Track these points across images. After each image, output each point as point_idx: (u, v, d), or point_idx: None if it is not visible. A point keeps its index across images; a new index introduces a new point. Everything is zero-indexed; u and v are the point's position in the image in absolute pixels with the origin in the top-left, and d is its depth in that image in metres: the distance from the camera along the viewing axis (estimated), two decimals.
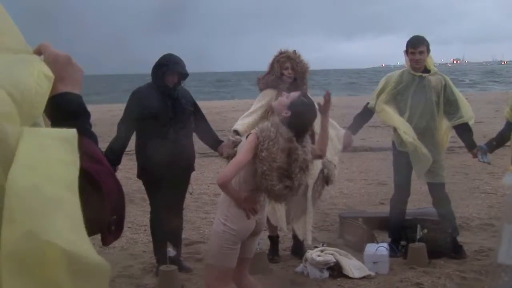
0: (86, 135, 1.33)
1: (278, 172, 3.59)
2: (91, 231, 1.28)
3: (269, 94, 5.71)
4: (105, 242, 1.35)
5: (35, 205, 0.99)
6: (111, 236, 1.35)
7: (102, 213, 1.26)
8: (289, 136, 3.63)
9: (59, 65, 1.35)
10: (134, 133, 5.43)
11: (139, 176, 5.47)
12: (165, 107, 5.29)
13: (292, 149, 3.62)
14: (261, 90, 5.81)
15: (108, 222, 1.29)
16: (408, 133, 5.76)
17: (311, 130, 5.80)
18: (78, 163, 1.12)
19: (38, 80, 1.21)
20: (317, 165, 5.79)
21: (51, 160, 1.08)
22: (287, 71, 5.65)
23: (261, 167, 3.60)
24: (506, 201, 2.08)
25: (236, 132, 5.71)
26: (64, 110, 1.34)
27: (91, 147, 1.31)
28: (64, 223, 1.01)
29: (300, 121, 3.76)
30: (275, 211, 5.68)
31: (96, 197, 1.23)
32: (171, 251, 5.08)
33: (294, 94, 3.93)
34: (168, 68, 5.29)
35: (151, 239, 5.74)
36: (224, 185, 3.67)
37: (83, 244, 1.05)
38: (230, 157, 4.95)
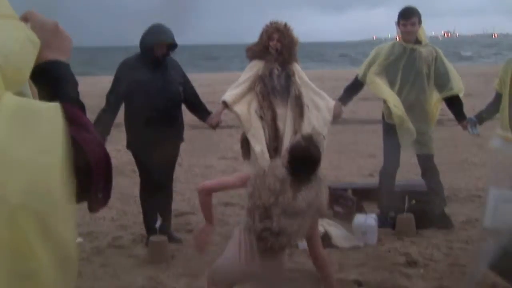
0: (74, 103, 1.33)
1: (260, 210, 3.45)
2: (78, 199, 1.28)
3: (256, 65, 5.72)
4: (92, 209, 1.36)
5: None
6: (98, 203, 1.35)
7: (88, 181, 1.26)
8: (283, 177, 3.47)
9: (46, 32, 1.33)
10: (123, 104, 5.41)
11: (128, 146, 5.47)
12: (154, 78, 5.26)
13: (281, 191, 3.43)
14: (250, 59, 5.81)
15: (95, 189, 1.29)
16: (397, 106, 5.76)
17: (300, 104, 5.81)
18: (60, 139, 1.10)
19: (23, 45, 1.20)
20: None
21: (30, 134, 1.06)
22: (273, 42, 5.64)
23: (247, 203, 3.57)
24: (491, 166, 2.10)
25: (225, 103, 5.72)
26: (51, 78, 1.33)
27: (78, 115, 1.30)
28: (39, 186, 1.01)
29: (298, 166, 3.53)
30: None
31: (83, 165, 1.22)
32: (160, 222, 5.10)
33: (296, 138, 3.82)
34: (157, 39, 5.25)
35: (141, 210, 5.75)
36: (200, 193, 3.73)
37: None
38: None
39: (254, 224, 3.46)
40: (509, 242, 1.25)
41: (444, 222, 5.85)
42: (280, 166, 3.55)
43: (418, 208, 5.79)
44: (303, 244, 5.37)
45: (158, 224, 5.12)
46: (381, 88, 5.93)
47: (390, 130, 5.93)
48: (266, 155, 5.71)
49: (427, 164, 5.96)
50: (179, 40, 5.49)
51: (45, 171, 1.03)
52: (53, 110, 1.10)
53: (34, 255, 0.99)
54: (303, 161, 3.54)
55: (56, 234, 1.05)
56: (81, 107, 1.40)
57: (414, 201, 5.83)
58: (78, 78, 1.42)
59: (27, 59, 1.20)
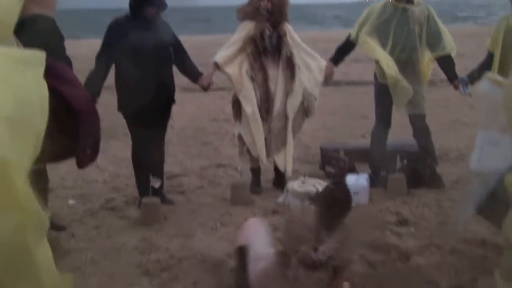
0: (60, 58, 1.31)
1: (281, 257, 3.30)
2: (66, 154, 1.27)
3: (248, 25, 5.69)
4: (80, 165, 1.35)
5: None
6: (86, 159, 1.35)
7: (77, 135, 1.25)
8: (310, 225, 3.27)
9: None
10: (113, 66, 5.36)
11: (119, 109, 5.43)
12: (144, 39, 5.19)
13: (305, 240, 3.22)
14: (241, 20, 5.77)
15: (83, 145, 1.29)
16: (390, 66, 5.74)
17: (291, 65, 5.76)
18: (43, 88, 1.09)
19: None
20: (297, 97, 5.80)
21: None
22: (264, 2, 5.60)
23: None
24: (480, 108, 2.08)
25: (216, 64, 5.69)
26: (36, 31, 1.31)
27: (64, 70, 1.28)
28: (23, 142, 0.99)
29: (326, 211, 3.29)
30: (255, 143, 5.72)
31: (71, 120, 1.21)
32: (153, 183, 5.11)
33: (328, 186, 3.52)
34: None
35: (133, 173, 5.76)
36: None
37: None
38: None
39: (274, 268, 3.29)
40: (496, 185, 1.26)
41: (435, 182, 5.89)
42: (311, 212, 3.38)
43: (409, 168, 5.82)
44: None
45: (155, 185, 5.13)
46: (373, 48, 5.89)
47: (382, 90, 5.92)
48: (257, 116, 5.71)
49: (419, 124, 5.96)
50: (169, 2, 5.42)
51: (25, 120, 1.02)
52: (38, 58, 1.09)
53: None
54: (332, 205, 3.28)
55: None
56: (68, 62, 1.38)
57: (405, 161, 5.86)
58: (68, 41, 1.41)
59: (11, 12, 1.18)
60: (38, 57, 1.08)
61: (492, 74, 3.48)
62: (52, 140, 1.13)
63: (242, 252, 3.76)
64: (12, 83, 1.00)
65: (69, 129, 1.21)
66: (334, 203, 3.27)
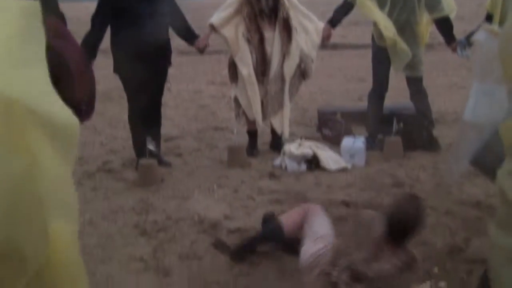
0: (53, 13, 1.30)
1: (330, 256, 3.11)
2: None
3: None
4: None
5: None
6: (81, 115, 1.35)
7: (71, 91, 1.24)
8: (375, 236, 3.00)
9: None
10: (109, 28, 5.31)
11: (115, 70, 5.39)
12: (140, 0, 5.13)
13: (360, 247, 3.00)
14: None
15: (79, 100, 1.28)
16: (388, 28, 5.69)
17: (288, 27, 5.71)
18: (42, 37, 1.08)
19: None
20: (294, 59, 5.77)
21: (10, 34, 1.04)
22: None
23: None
24: (475, 59, 2.05)
25: (212, 25, 5.65)
26: None
27: (58, 25, 1.27)
28: (30, 81, 0.99)
29: (394, 229, 2.98)
30: (251, 106, 5.71)
31: (64, 75, 1.21)
32: (150, 145, 5.11)
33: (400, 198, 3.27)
34: None
35: (130, 135, 5.76)
36: None
37: (50, 102, 1.02)
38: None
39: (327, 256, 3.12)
40: (490, 136, 1.27)
41: (431, 145, 5.91)
42: (380, 221, 3.03)
43: (406, 131, 5.82)
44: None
45: (151, 147, 5.13)
46: (371, 9, 5.82)
47: (379, 52, 5.88)
48: (253, 78, 5.68)
49: (416, 86, 5.95)
50: None
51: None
52: (33, 7, 1.07)
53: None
54: (400, 225, 2.97)
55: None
56: (62, 18, 1.37)
57: (402, 124, 5.86)
58: (64, 4, 1.39)
59: None
60: (33, 5, 1.07)
61: (489, 25, 3.44)
62: None
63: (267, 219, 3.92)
64: (8, 28, 1.00)
65: (63, 85, 1.20)
66: (403, 220, 2.95)
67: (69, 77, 1.21)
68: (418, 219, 2.97)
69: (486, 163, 1.29)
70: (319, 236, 3.32)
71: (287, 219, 3.72)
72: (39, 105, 0.97)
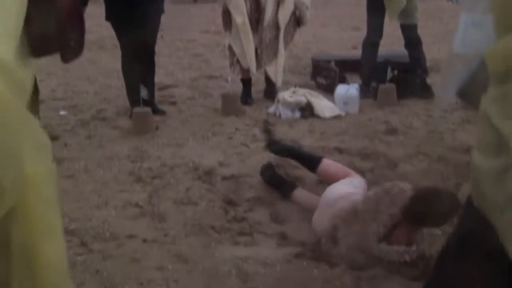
0: None
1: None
2: (51, 48, 1.27)
3: None
4: (65, 59, 1.35)
5: None
6: (71, 53, 1.35)
7: (59, 27, 1.24)
8: (393, 214, 2.98)
9: None
10: None
11: (107, 18, 5.33)
12: None
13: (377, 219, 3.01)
14: None
15: (68, 37, 1.28)
16: None
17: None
18: None
19: None
20: (289, 7, 5.72)
21: None
22: None
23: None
24: None
25: None
26: None
27: None
28: None
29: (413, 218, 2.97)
30: (245, 54, 5.68)
31: (53, 11, 1.20)
32: (144, 93, 5.11)
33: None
34: None
35: (124, 84, 5.74)
36: None
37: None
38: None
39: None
40: (478, 67, 1.28)
41: (425, 92, 5.91)
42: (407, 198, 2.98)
43: (399, 78, 5.82)
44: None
45: (145, 95, 5.12)
46: None
47: (374, 0, 5.83)
48: (248, 26, 5.63)
49: (410, 34, 5.92)
50: None
51: None
52: None
53: None
54: (421, 217, 2.94)
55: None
56: None
57: (396, 72, 5.85)
58: None
59: None
60: None
61: None
62: (34, 34, 1.12)
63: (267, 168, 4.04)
64: None
65: (50, 21, 1.19)
66: (423, 207, 2.90)
67: (58, 13, 1.20)
68: (440, 213, 2.86)
69: (472, 93, 1.30)
70: (354, 185, 3.37)
71: (334, 164, 3.80)
72: None
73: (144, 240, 3.37)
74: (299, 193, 3.83)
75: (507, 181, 1.12)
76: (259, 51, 5.75)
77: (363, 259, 3.05)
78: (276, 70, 5.84)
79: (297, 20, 5.82)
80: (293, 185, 3.92)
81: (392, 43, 7.91)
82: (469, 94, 1.43)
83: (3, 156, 0.94)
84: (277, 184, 3.97)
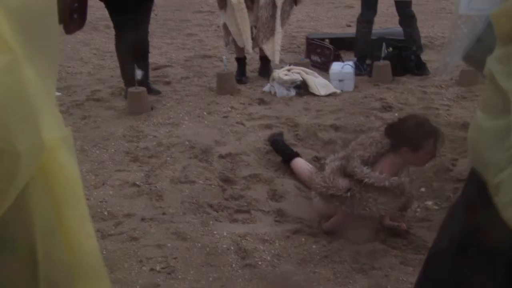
0: None
1: None
2: None
3: None
4: (68, 30, 1.34)
5: None
6: (73, 25, 1.34)
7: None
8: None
9: None
10: None
11: None
12: None
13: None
14: None
15: (70, 9, 1.28)
16: None
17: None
18: None
19: None
20: None
21: None
22: None
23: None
24: None
25: None
26: None
27: None
28: None
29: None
30: (241, 33, 5.65)
31: None
32: (138, 73, 5.08)
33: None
34: None
35: (117, 65, 5.71)
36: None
37: None
38: None
39: None
40: (483, 29, 1.27)
41: (420, 69, 5.91)
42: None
43: (394, 55, 5.81)
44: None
45: (139, 76, 5.10)
46: None
47: None
48: (243, 5, 5.59)
49: (405, 10, 5.90)
50: None
51: None
52: None
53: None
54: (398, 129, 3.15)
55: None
56: None
57: (390, 49, 5.84)
58: None
59: None
60: None
61: None
62: None
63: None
64: None
65: None
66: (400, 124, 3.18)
67: None
68: (415, 127, 3.08)
69: (478, 56, 1.30)
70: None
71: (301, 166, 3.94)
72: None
73: (143, 219, 3.38)
74: (298, 162, 3.95)
75: (508, 140, 1.13)
76: (255, 30, 5.72)
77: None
78: (274, 48, 5.80)
79: None
80: (296, 154, 4.05)
81: (385, 21, 7.89)
82: (475, 58, 1.42)
83: (18, 120, 0.94)
84: (281, 149, 4.14)
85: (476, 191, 1.34)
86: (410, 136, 3.08)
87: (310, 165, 3.87)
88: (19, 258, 1.07)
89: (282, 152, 4.12)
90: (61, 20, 1.30)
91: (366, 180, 3.03)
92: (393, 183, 3.04)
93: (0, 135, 0.91)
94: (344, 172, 3.16)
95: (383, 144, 3.18)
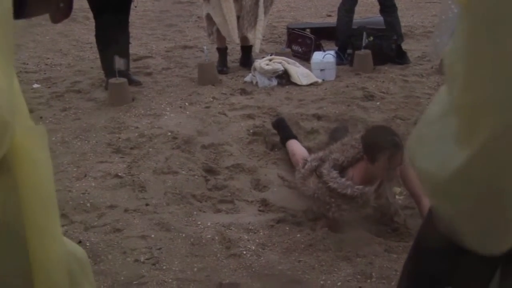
0: None
1: None
2: (39, 10, 1.25)
3: None
4: (54, 19, 1.32)
5: None
6: (60, 14, 1.32)
7: None
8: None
9: None
10: None
11: None
12: None
13: None
14: None
15: None
16: None
17: None
18: None
19: None
20: None
21: None
22: None
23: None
24: None
25: None
26: None
27: None
28: None
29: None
30: (227, 23, 5.60)
31: None
32: (119, 64, 5.02)
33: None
34: None
35: (97, 56, 5.65)
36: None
37: None
38: None
39: None
40: None
41: (400, 58, 5.94)
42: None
43: (375, 44, 5.82)
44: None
45: (121, 67, 5.04)
46: None
47: None
48: None
49: (386, 0, 5.91)
50: None
51: None
52: None
53: None
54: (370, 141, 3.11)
55: None
56: None
57: (371, 38, 5.86)
58: None
59: None
60: None
61: None
62: None
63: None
64: None
65: None
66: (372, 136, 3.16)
67: None
68: (387, 139, 3.04)
69: None
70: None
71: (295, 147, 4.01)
72: None
73: (126, 210, 3.35)
74: (293, 144, 4.02)
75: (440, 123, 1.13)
76: (240, 18, 5.67)
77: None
78: (255, 36, 5.77)
79: None
80: (293, 136, 4.13)
81: (366, 10, 7.92)
82: None
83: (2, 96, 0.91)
84: (281, 129, 4.21)
85: None
86: (366, 148, 3.10)
87: (304, 149, 3.93)
88: None
89: (282, 131, 4.19)
90: (48, 9, 1.28)
91: (330, 184, 3.07)
92: (355, 192, 3.04)
93: None
94: (316, 173, 3.20)
95: (359, 149, 3.19)
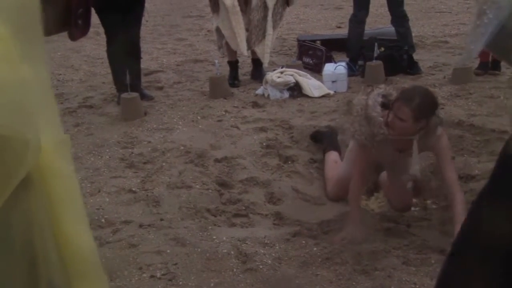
0: None
1: None
2: (58, 27, 1.24)
3: None
4: (73, 37, 1.32)
5: None
6: (78, 31, 1.32)
7: (67, 6, 1.21)
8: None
9: None
10: None
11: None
12: None
13: None
14: None
15: (75, 16, 1.25)
16: None
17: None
18: None
19: None
20: None
21: None
22: None
23: None
24: None
25: None
26: None
27: None
28: None
29: None
30: (235, 36, 5.61)
31: None
32: (130, 79, 5.03)
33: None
34: None
35: (109, 71, 5.67)
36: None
37: None
38: None
39: None
40: (507, 15, 1.24)
41: (412, 68, 5.92)
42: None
43: (387, 55, 5.81)
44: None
45: (131, 80, 5.05)
46: None
47: None
48: (237, 8, 5.56)
49: (397, 10, 5.89)
50: None
51: None
52: None
53: None
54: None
55: None
56: None
57: (383, 49, 5.84)
58: None
59: None
60: None
61: None
62: (44, 13, 1.09)
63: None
64: None
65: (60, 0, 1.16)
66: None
67: None
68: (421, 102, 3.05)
69: (502, 43, 1.27)
70: None
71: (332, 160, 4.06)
72: None
73: (140, 225, 3.34)
74: (330, 156, 4.06)
75: None
76: (248, 32, 5.68)
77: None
78: (263, 50, 5.78)
79: (285, 0, 5.74)
80: (335, 147, 4.16)
81: (375, 21, 7.90)
82: (499, 45, 1.39)
83: (22, 113, 0.90)
84: (322, 139, 4.33)
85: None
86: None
87: (339, 164, 3.92)
88: (19, 260, 1.05)
89: (325, 140, 4.27)
90: (67, 27, 1.27)
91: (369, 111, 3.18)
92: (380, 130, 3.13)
93: (10, 123, 0.88)
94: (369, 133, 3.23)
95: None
